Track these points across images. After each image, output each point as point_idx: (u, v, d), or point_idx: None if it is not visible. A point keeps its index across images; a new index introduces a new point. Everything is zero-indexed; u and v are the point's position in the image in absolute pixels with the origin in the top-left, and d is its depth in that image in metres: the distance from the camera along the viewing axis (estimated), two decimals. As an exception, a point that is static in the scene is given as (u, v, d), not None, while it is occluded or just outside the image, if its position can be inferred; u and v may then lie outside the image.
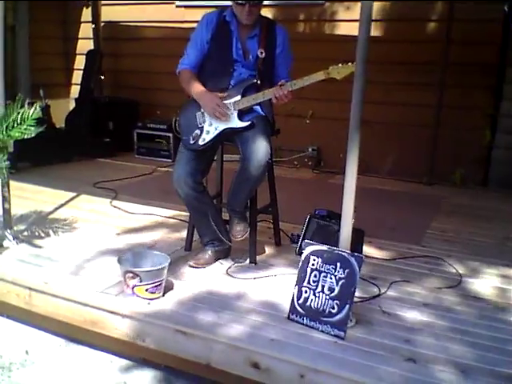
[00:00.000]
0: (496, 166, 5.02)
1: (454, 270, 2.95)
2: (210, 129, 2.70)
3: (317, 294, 2.21)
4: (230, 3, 2.69)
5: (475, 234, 3.64)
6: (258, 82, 2.68)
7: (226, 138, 2.75)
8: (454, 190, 4.95)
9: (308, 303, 2.22)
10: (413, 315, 2.40)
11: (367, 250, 3.11)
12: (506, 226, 3.84)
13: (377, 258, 3.05)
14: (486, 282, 2.81)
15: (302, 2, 5.65)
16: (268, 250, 3.16)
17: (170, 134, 5.75)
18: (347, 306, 2.13)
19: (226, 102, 2.67)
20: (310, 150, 5.75)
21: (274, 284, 2.68)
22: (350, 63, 2.51)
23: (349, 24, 5.31)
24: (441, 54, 4.78)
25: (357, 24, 5.39)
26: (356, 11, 5.20)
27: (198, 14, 5.94)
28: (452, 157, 5.10)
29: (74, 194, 4.16)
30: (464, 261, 3.08)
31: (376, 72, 4.41)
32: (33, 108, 2.85)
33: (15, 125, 2.82)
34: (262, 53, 2.67)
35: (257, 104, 2.69)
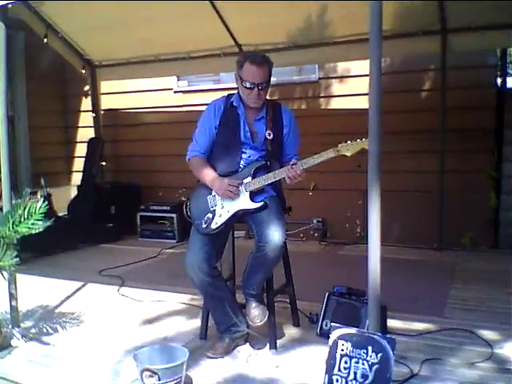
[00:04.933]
0: (505, 227, 4.97)
1: (483, 342, 2.81)
2: (223, 211, 2.66)
3: (349, 383, 2.06)
4: (221, 86, 2.73)
5: (496, 300, 3.52)
6: (268, 163, 2.68)
7: (239, 219, 2.71)
8: (465, 255, 4.86)
9: (340, 393, 2.08)
10: (451, 397, 2.25)
11: (391, 324, 2.98)
12: (525, 290, 3.73)
13: (403, 334, 2.91)
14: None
15: (297, 79, 5.85)
16: (287, 332, 3.03)
17: (174, 215, 5.73)
18: (384, 393, 1.99)
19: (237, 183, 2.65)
20: (314, 221, 5.72)
21: (299, 371, 2.52)
22: (358, 140, 2.51)
23: (344, 98, 5.51)
24: (439, 121, 4.85)
25: (351, 98, 5.58)
26: (349, 86, 5.45)
27: (195, 98, 6.20)
28: (459, 221, 5.06)
29: (80, 284, 4.06)
30: (491, 331, 2.95)
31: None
32: (40, 202, 2.80)
33: (22, 220, 2.77)
34: (269, 134, 2.69)
35: (268, 184, 2.67)
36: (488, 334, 2.90)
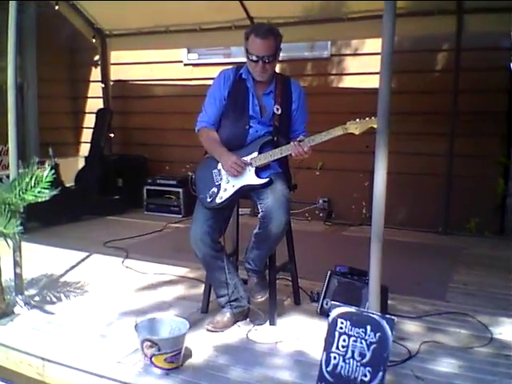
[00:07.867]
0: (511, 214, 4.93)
1: (483, 327, 2.81)
2: (228, 186, 2.65)
3: (347, 361, 2.07)
4: (232, 60, 2.68)
5: (498, 286, 3.51)
6: (275, 138, 2.65)
7: (244, 195, 2.70)
8: (470, 240, 4.83)
9: (337, 370, 2.09)
10: (448, 379, 2.25)
11: (391, 306, 2.99)
12: (529, 277, 3.72)
13: (402, 316, 2.91)
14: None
15: (309, 55, 5.77)
16: (287, 309, 3.04)
17: (180, 190, 5.73)
18: (380, 373, 2.00)
19: (243, 158, 2.63)
20: (320, 201, 5.70)
21: (298, 348, 2.54)
22: (367, 118, 2.47)
23: (356, 77, 5.42)
24: (450, 103, 4.77)
25: (363, 76, 5.48)
26: (361, 63, 5.36)
27: (205, 72, 6.13)
28: (466, 205, 5.02)
29: (85, 255, 4.09)
30: (491, 316, 2.95)
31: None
32: (47, 170, 2.81)
33: (29, 187, 2.77)
34: (278, 109, 2.65)
35: (274, 160, 2.65)
36: (488, 320, 2.90)
